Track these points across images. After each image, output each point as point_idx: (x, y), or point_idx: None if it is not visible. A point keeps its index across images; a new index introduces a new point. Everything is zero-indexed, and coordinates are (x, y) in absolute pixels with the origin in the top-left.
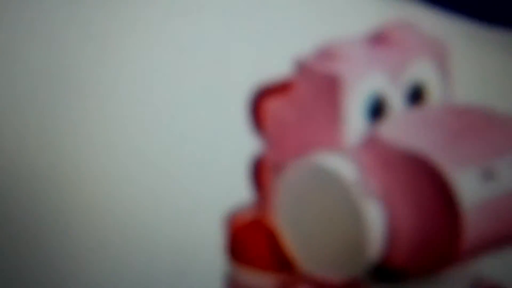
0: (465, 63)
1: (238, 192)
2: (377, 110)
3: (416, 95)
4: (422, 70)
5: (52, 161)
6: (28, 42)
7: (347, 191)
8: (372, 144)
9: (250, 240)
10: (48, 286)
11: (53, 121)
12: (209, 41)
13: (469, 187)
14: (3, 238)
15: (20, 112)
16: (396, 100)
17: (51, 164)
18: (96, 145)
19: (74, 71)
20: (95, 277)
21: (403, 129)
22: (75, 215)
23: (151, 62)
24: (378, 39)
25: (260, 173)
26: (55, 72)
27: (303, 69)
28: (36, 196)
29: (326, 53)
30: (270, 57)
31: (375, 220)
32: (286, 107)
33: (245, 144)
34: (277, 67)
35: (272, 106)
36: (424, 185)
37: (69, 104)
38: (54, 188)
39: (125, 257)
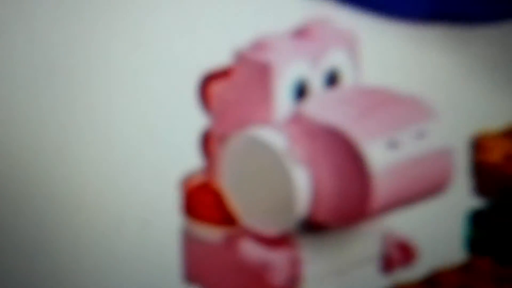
0: (372, 51)
1: (191, 160)
2: (301, 91)
3: (332, 79)
4: (337, 58)
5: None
6: (25, 43)
7: (277, 158)
8: (297, 119)
9: (201, 200)
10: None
11: (49, 119)
12: (165, 34)
13: (376, 154)
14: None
15: (18, 111)
16: (316, 83)
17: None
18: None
19: (72, 69)
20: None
21: (322, 107)
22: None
23: (113, 52)
24: (301, 33)
25: (208, 143)
26: (54, 70)
27: (240, 58)
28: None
29: (258, 45)
30: (214, 49)
31: (301, 182)
32: (227, 89)
33: (195, 120)
34: (220, 57)
35: (217, 88)
36: (340, 153)
37: (62, 102)
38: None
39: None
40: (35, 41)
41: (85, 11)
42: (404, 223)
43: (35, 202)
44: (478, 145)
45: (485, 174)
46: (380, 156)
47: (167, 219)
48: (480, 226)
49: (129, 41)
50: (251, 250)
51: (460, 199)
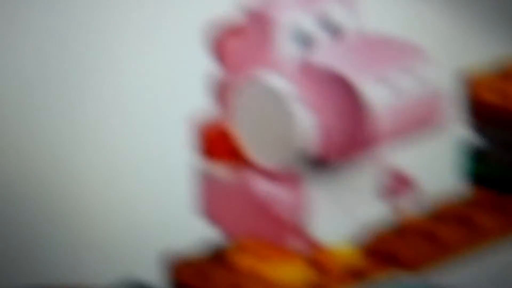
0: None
1: (205, 105)
2: (306, 42)
3: (334, 30)
4: (337, 11)
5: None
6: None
7: (281, 98)
8: (303, 66)
9: (215, 139)
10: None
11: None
12: None
13: (373, 91)
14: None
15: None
16: (320, 36)
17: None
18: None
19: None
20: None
21: (324, 54)
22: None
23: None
24: None
25: (221, 90)
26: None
27: (247, 12)
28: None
29: (263, 1)
30: (221, 2)
31: (303, 120)
32: (238, 42)
33: (208, 69)
34: (227, 10)
35: (229, 42)
36: (341, 92)
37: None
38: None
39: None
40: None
41: None
42: (406, 160)
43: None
44: (472, 83)
45: (480, 111)
46: (377, 95)
47: (181, 157)
48: (481, 161)
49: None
50: (259, 185)
51: (459, 134)
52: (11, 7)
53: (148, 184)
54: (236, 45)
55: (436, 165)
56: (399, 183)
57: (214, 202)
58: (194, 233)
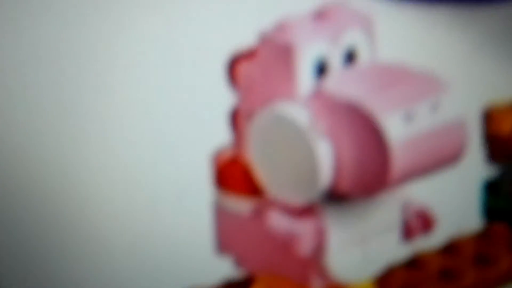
0: (387, 31)
1: (221, 135)
2: (321, 69)
3: (350, 57)
4: (354, 38)
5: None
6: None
7: (301, 132)
8: (319, 95)
9: (231, 172)
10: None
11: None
12: (197, 18)
13: (394, 127)
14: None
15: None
16: (335, 61)
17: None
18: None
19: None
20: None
21: (342, 83)
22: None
23: (143, 34)
24: (320, 15)
25: (237, 120)
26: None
27: (265, 39)
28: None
29: (281, 27)
30: (240, 31)
31: (323, 154)
32: (253, 69)
33: (226, 99)
34: (247, 39)
35: (244, 68)
36: (360, 126)
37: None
38: (89, 160)
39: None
40: (54, 39)
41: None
42: (422, 192)
43: (71, 176)
44: (490, 117)
45: (497, 145)
46: (397, 128)
47: (200, 193)
48: (496, 195)
49: (162, 22)
50: (278, 220)
51: (475, 168)
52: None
53: (165, 219)
54: (251, 70)
55: (452, 199)
56: (419, 220)
57: (231, 236)
58: (212, 269)
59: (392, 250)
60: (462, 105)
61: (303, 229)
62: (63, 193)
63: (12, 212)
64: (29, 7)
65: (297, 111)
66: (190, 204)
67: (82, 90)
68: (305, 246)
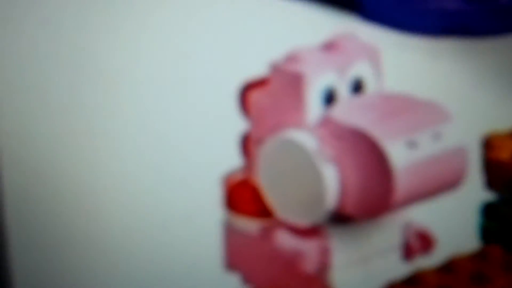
0: (392, 62)
1: (232, 159)
2: (329, 98)
3: (357, 87)
4: (361, 68)
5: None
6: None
7: (309, 157)
8: (326, 123)
9: (241, 195)
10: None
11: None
12: (211, 49)
13: (397, 154)
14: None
15: (27, 110)
16: (343, 90)
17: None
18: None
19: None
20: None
21: (349, 111)
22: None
23: (155, 62)
24: (329, 46)
25: (247, 145)
26: (64, 69)
27: (275, 69)
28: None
29: (291, 57)
30: (252, 61)
31: (330, 179)
32: (264, 97)
33: (236, 125)
34: (258, 69)
35: (255, 96)
36: (365, 152)
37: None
38: (98, 186)
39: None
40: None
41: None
42: (423, 215)
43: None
44: (489, 144)
45: (495, 171)
46: (400, 155)
47: (210, 214)
48: (492, 218)
49: (176, 52)
50: (285, 240)
51: (474, 192)
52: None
53: (176, 240)
54: (261, 98)
55: (450, 221)
56: (419, 241)
57: (240, 255)
58: (221, 286)
59: (393, 269)
60: (463, 134)
61: (309, 248)
62: (74, 211)
63: (23, 218)
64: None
65: (305, 137)
66: (200, 224)
67: (96, 112)
68: (310, 264)
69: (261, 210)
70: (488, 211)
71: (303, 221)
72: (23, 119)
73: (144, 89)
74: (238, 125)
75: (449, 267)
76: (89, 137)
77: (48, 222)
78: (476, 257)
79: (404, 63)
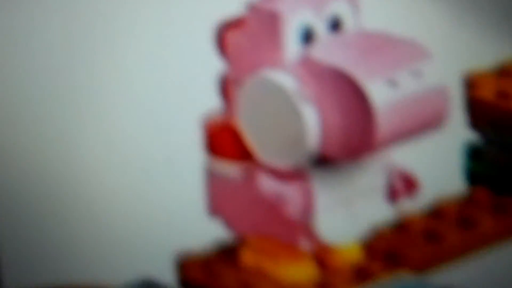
0: (369, 0)
1: (212, 102)
2: (307, 37)
3: (335, 25)
4: (339, 6)
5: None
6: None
7: (288, 97)
8: (305, 62)
9: (221, 138)
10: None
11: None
12: None
13: (378, 92)
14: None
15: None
16: (321, 29)
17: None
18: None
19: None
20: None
21: (327, 50)
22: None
23: (133, 4)
24: None
25: (226, 87)
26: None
27: (252, 8)
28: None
29: None
30: (228, 1)
31: (310, 119)
32: (241, 37)
33: (214, 66)
34: (234, 8)
35: (232, 36)
36: (345, 91)
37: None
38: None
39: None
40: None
41: None
42: (407, 157)
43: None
44: (471, 83)
45: (478, 110)
46: (381, 93)
47: (190, 157)
48: (477, 159)
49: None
50: (267, 184)
51: (458, 133)
52: (16, 7)
53: (158, 184)
54: (238, 38)
55: (435, 163)
56: (403, 183)
57: (222, 200)
58: (204, 232)
59: (377, 211)
60: (444, 72)
61: (291, 192)
62: (58, 163)
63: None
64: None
65: (284, 78)
66: (181, 169)
67: (70, 61)
68: (293, 208)
69: (242, 153)
70: (473, 153)
71: (284, 164)
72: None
73: (122, 30)
74: (216, 66)
75: (436, 211)
76: (71, 88)
77: (29, 171)
78: (463, 201)
79: (382, 1)
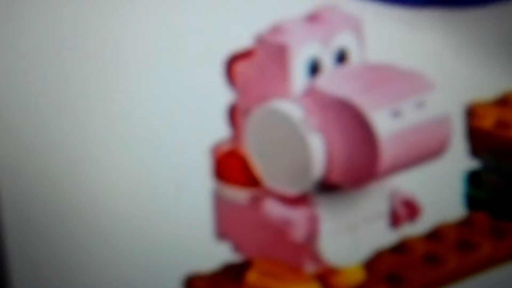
0: (376, 33)
1: (221, 131)
2: (314, 69)
3: (341, 57)
4: (345, 39)
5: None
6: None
7: (295, 126)
8: (312, 93)
9: (229, 164)
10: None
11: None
12: (197, 21)
13: (382, 122)
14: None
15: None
16: (327, 61)
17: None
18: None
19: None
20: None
21: (333, 81)
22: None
23: (144, 34)
24: (313, 17)
25: (235, 116)
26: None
27: (261, 40)
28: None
29: (276, 29)
30: (237, 33)
31: (316, 148)
32: (250, 68)
33: (224, 96)
34: (243, 40)
35: (241, 67)
36: (350, 121)
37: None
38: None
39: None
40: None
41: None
42: (409, 183)
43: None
44: (472, 113)
45: (478, 138)
46: (385, 124)
47: (200, 183)
48: (477, 185)
49: (163, 23)
50: (273, 209)
51: (459, 160)
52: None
53: (167, 209)
54: (247, 69)
55: (436, 189)
56: (405, 208)
57: (230, 224)
58: (211, 255)
59: (380, 236)
60: (446, 102)
61: (297, 217)
62: (65, 185)
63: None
64: (27, 4)
65: (291, 107)
66: (190, 195)
67: (81, 87)
68: (298, 233)
69: (250, 180)
70: (473, 179)
71: (290, 190)
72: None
73: (133, 60)
74: (226, 96)
75: (436, 234)
76: (79, 109)
77: (39, 197)
78: (462, 224)
79: (387, 33)
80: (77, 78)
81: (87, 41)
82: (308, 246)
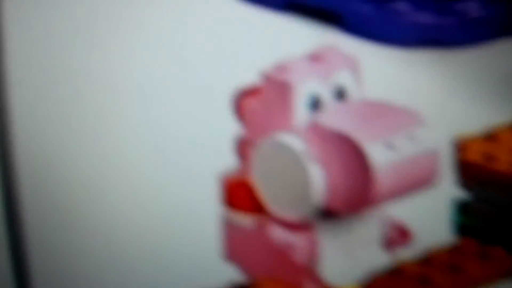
0: (372, 71)
1: (229, 161)
2: (315, 104)
3: (340, 94)
4: (343, 77)
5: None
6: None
7: (297, 157)
8: (313, 126)
9: (237, 193)
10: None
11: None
12: (208, 60)
13: (377, 154)
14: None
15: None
16: (327, 98)
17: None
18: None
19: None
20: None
21: (333, 116)
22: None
23: (156, 71)
24: (314, 57)
25: (242, 147)
26: (62, 72)
27: (266, 78)
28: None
29: (280, 67)
30: (244, 70)
31: (317, 177)
32: (256, 103)
33: (232, 129)
34: (250, 77)
35: (248, 103)
36: (348, 153)
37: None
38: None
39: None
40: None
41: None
42: (401, 211)
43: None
44: (460, 146)
45: (466, 171)
46: (380, 155)
47: (209, 210)
48: (466, 214)
49: (178, 62)
50: (277, 233)
51: (448, 190)
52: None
53: (179, 236)
54: (254, 104)
55: (427, 216)
56: (398, 234)
57: (237, 247)
58: (219, 277)
59: (375, 258)
60: (436, 136)
61: (299, 241)
62: (79, 209)
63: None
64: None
65: (294, 140)
66: (200, 220)
67: (99, 117)
68: (300, 256)
69: (256, 207)
70: (462, 208)
71: (293, 216)
72: (35, 120)
73: (146, 96)
74: (234, 129)
75: (428, 258)
76: (97, 142)
77: (59, 216)
78: (452, 249)
79: (382, 71)
80: (94, 109)
81: (102, 71)
82: (308, 267)
